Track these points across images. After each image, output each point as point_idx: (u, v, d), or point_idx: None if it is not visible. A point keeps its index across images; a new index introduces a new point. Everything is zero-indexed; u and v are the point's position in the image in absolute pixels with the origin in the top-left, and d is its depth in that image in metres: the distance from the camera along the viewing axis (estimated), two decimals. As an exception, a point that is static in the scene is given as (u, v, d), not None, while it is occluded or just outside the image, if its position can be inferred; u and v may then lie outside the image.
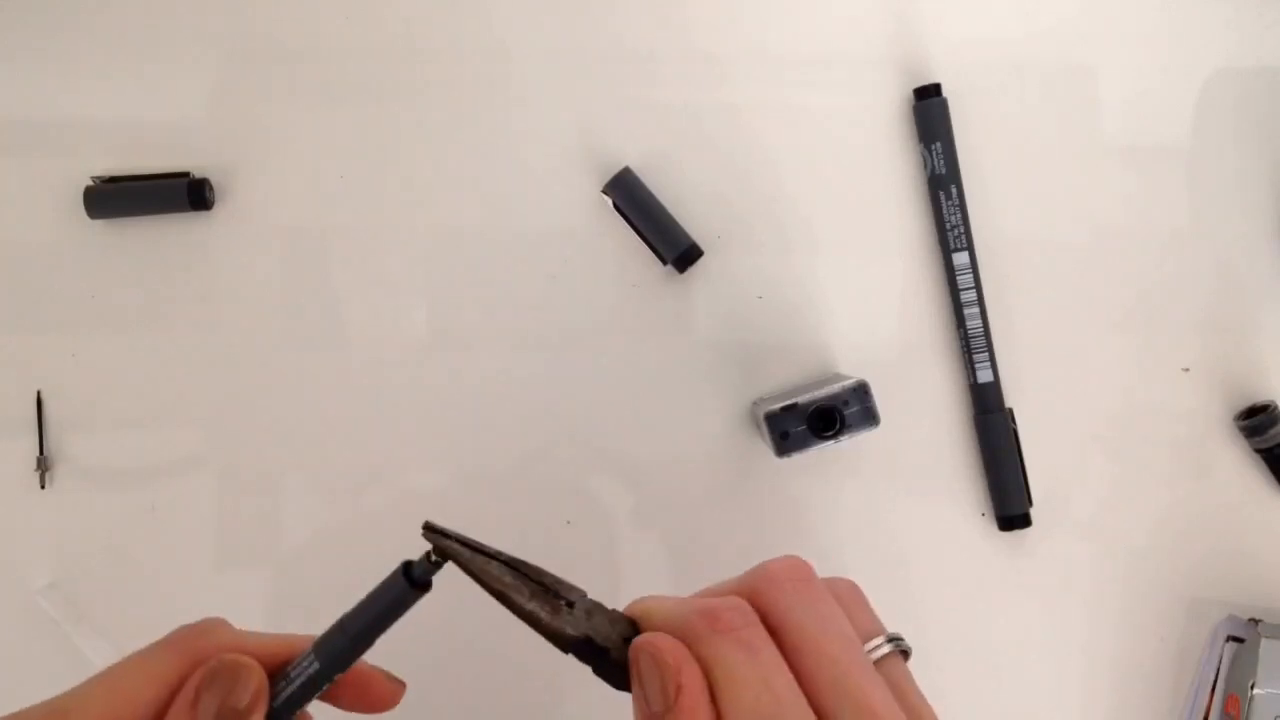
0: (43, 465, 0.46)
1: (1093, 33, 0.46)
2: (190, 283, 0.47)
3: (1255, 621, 0.45)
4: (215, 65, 0.46)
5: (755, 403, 0.46)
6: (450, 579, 0.25)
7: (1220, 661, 0.45)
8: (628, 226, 0.46)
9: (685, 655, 0.23)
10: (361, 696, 0.28)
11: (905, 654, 0.26)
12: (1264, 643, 0.43)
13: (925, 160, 0.46)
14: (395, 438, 0.47)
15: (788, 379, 0.47)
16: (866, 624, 0.26)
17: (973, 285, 0.45)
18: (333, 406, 0.47)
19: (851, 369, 0.47)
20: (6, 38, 0.46)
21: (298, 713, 0.26)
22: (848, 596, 0.27)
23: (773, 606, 0.25)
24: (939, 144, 0.45)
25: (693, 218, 0.46)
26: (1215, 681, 0.45)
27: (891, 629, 0.26)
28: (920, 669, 0.26)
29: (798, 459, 0.42)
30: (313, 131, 0.46)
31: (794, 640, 0.24)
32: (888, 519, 0.47)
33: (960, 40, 0.46)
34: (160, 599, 0.47)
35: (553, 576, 0.26)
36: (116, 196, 0.46)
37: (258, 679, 0.25)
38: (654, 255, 0.46)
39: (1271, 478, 0.46)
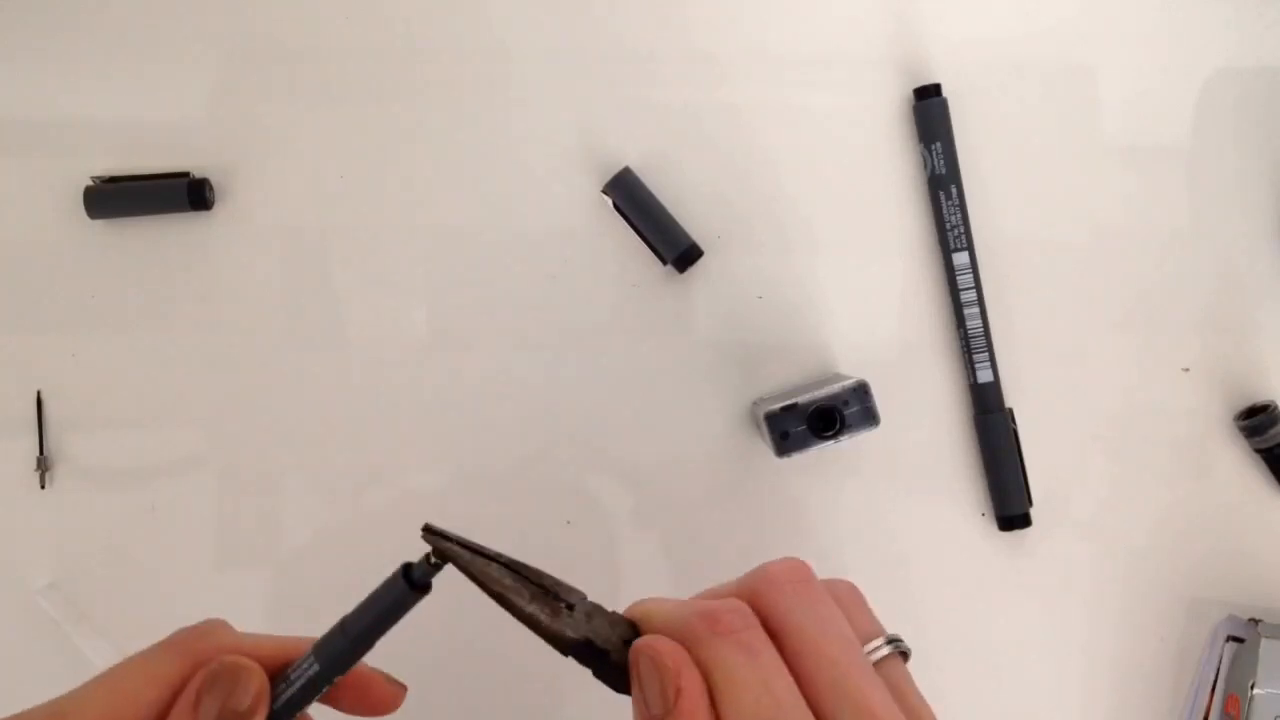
0: (43, 465, 0.46)
1: (1093, 33, 0.46)
2: (190, 283, 0.47)
3: (1255, 621, 0.45)
4: (215, 65, 0.46)
5: (755, 403, 0.46)
6: (450, 581, 0.25)
7: (1220, 661, 0.45)
8: (628, 226, 0.46)
9: (685, 658, 0.23)
10: (362, 699, 0.28)
11: (905, 655, 0.26)
12: (1264, 643, 0.43)
13: (925, 160, 0.46)
14: (395, 438, 0.47)
15: (788, 379, 0.47)
16: (866, 625, 0.26)
17: (973, 285, 0.45)
18: (333, 406, 0.47)
19: (851, 369, 0.47)
20: (6, 38, 0.46)
21: (298, 715, 0.26)
22: (847, 598, 0.27)
23: (772, 609, 0.25)
24: (939, 144, 0.45)
25: (693, 218, 0.46)
26: (1215, 681, 0.45)
27: (891, 629, 0.27)
28: (920, 669, 0.26)
29: (798, 459, 0.42)
30: (313, 131, 0.46)
31: (793, 642, 0.24)
32: (888, 519, 0.47)
33: (960, 40, 0.46)
34: (160, 599, 0.47)
35: (552, 578, 0.26)
36: (116, 196, 0.46)
37: (259, 681, 0.25)
38: (654, 255, 0.46)
39: (1271, 478, 0.46)
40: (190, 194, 0.45)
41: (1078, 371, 0.47)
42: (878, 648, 0.25)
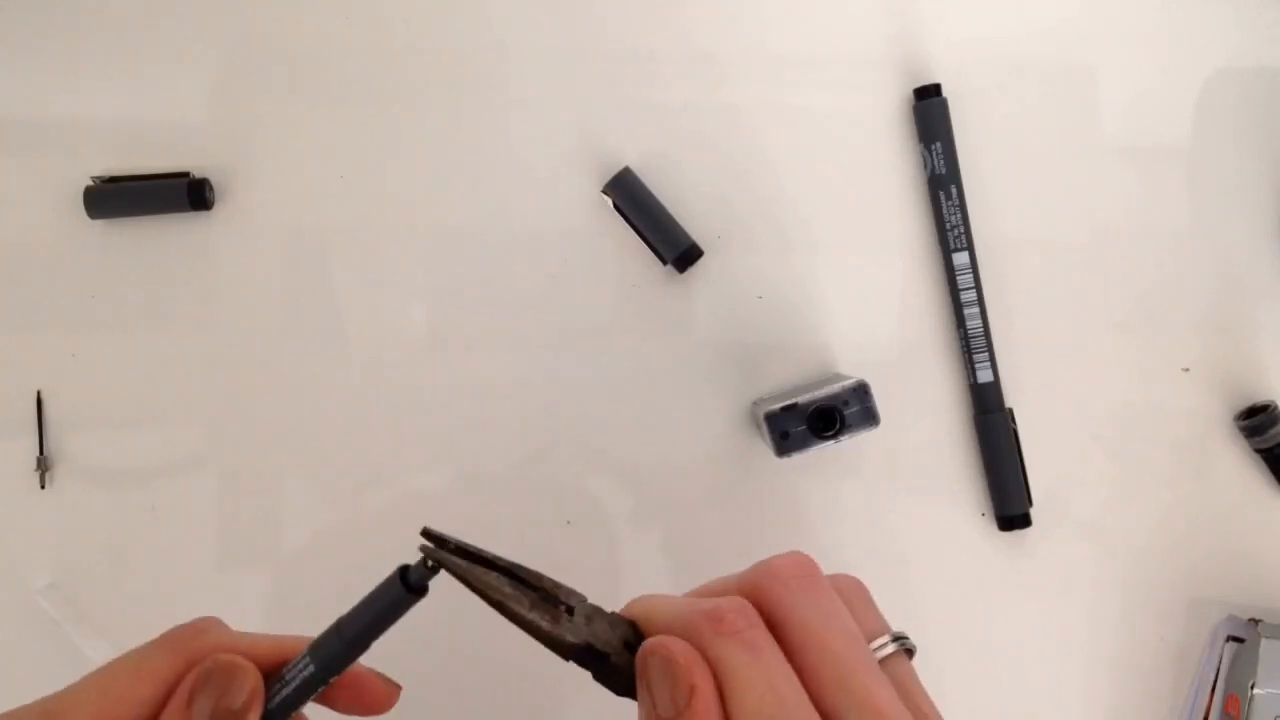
0: (43, 465, 0.46)
1: (1093, 33, 0.46)
2: (190, 283, 0.47)
3: (1255, 621, 0.45)
4: (215, 65, 0.46)
5: (755, 403, 0.46)
6: (448, 581, 0.25)
7: (1220, 661, 0.45)
8: (628, 226, 0.46)
9: (697, 657, 0.23)
10: (357, 699, 0.28)
11: (910, 653, 0.26)
12: (1264, 643, 0.43)
13: (925, 160, 0.46)
14: (395, 438, 0.47)
15: (788, 379, 0.47)
16: (871, 622, 0.26)
17: (973, 285, 0.45)
18: (333, 406, 0.47)
19: (851, 369, 0.46)
20: (6, 38, 0.46)
21: (293, 715, 0.26)
22: (852, 594, 0.27)
23: (777, 603, 0.25)
24: (939, 144, 0.45)
25: (693, 218, 0.46)
26: (1215, 681, 0.45)
27: (892, 628, 0.26)
28: (920, 669, 0.26)
29: (798, 459, 0.42)
30: (313, 131, 0.46)
31: (798, 637, 0.24)
32: (888, 519, 0.47)
33: (960, 40, 0.46)
34: (160, 599, 0.47)
35: (551, 581, 0.26)
36: (116, 196, 0.46)
37: (253, 680, 0.25)
38: (654, 255, 0.46)
39: (1271, 478, 0.46)
40: (190, 194, 0.45)
41: (1078, 371, 0.47)
42: (883, 645, 0.25)
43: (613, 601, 0.27)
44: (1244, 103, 0.46)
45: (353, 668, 0.26)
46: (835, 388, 0.41)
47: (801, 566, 0.26)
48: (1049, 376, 0.47)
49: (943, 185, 0.45)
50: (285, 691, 0.26)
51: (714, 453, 0.47)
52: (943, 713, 0.25)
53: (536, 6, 0.46)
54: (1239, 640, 0.45)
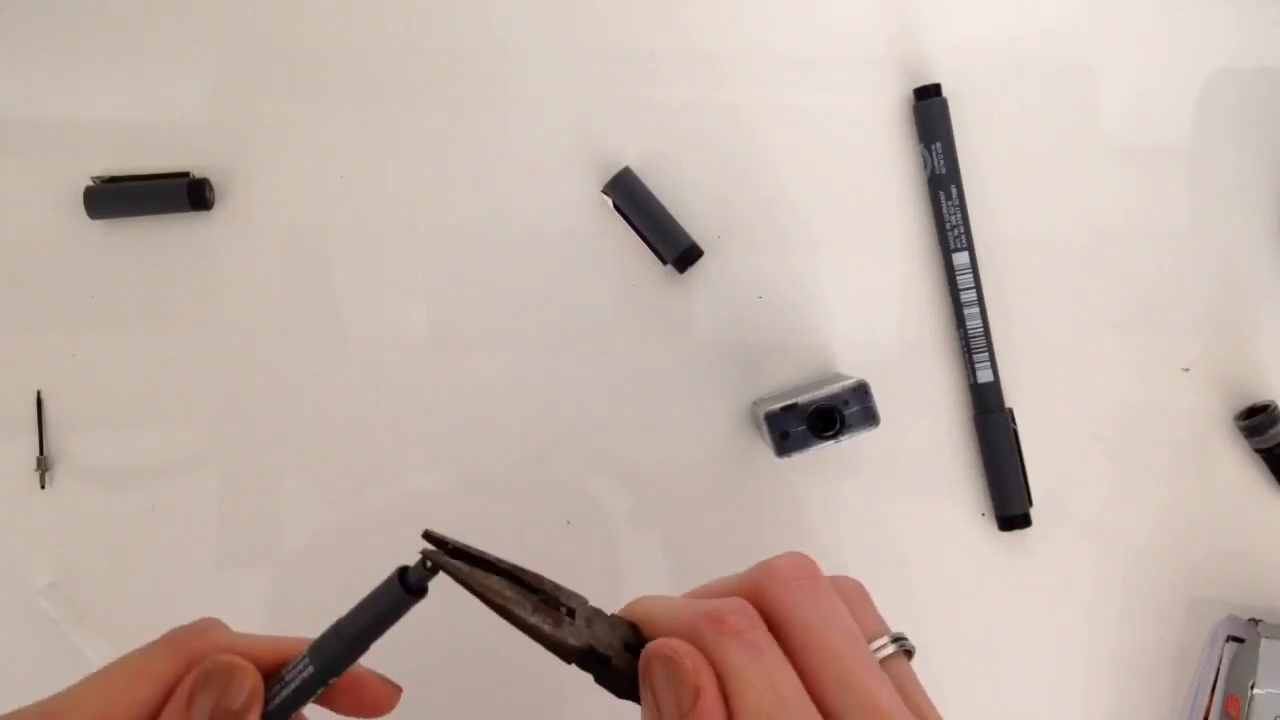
0: (43, 465, 0.46)
1: (1093, 33, 0.46)
2: (190, 283, 0.47)
3: (1255, 621, 0.45)
4: (215, 65, 0.46)
5: (755, 403, 0.46)
6: (448, 582, 0.25)
7: (1220, 661, 0.45)
8: (628, 226, 0.46)
9: (702, 660, 0.23)
10: (357, 700, 0.28)
11: (909, 654, 0.26)
12: (1264, 643, 0.43)
13: (925, 160, 0.46)
14: (395, 438, 0.47)
15: (788, 379, 0.47)
16: (871, 623, 0.26)
17: (973, 285, 0.45)
18: (333, 406, 0.47)
19: (851, 369, 0.46)
20: (6, 38, 0.46)
21: (293, 716, 0.26)
22: (852, 595, 0.27)
23: (778, 604, 0.25)
24: (939, 144, 0.45)
25: (693, 218, 0.46)
26: (1215, 681, 0.45)
27: (892, 628, 0.26)
28: (920, 669, 0.26)
29: (798, 459, 0.42)
30: (313, 131, 0.46)
31: (799, 637, 0.24)
32: (888, 519, 0.47)
33: (960, 40, 0.46)
34: (160, 599, 0.47)
35: (552, 583, 0.26)
36: (116, 196, 0.46)
37: (252, 681, 0.25)
38: (654, 255, 0.46)
39: (1271, 478, 0.46)
40: (190, 194, 0.45)
41: (1078, 371, 0.47)
42: (883, 646, 0.25)
43: (613, 602, 0.27)
44: (1244, 103, 0.46)
45: (353, 669, 0.26)
46: (835, 388, 0.41)
47: (802, 567, 0.26)
48: (1049, 376, 0.47)
49: (943, 185, 0.45)
50: (285, 693, 0.26)
51: (714, 453, 0.47)
52: (943, 713, 0.25)
53: (536, 6, 0.46)
54: (1239, 640, 0.45)
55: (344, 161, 0.46)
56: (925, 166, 0.46)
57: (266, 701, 0.26)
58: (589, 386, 0.47)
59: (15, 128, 0.46)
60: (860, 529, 0.47)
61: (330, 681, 0.26)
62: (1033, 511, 0.46)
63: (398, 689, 0.29)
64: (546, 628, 0.24)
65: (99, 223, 0.46)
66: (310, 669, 0.25)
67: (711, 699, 0.23)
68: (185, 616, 0.27)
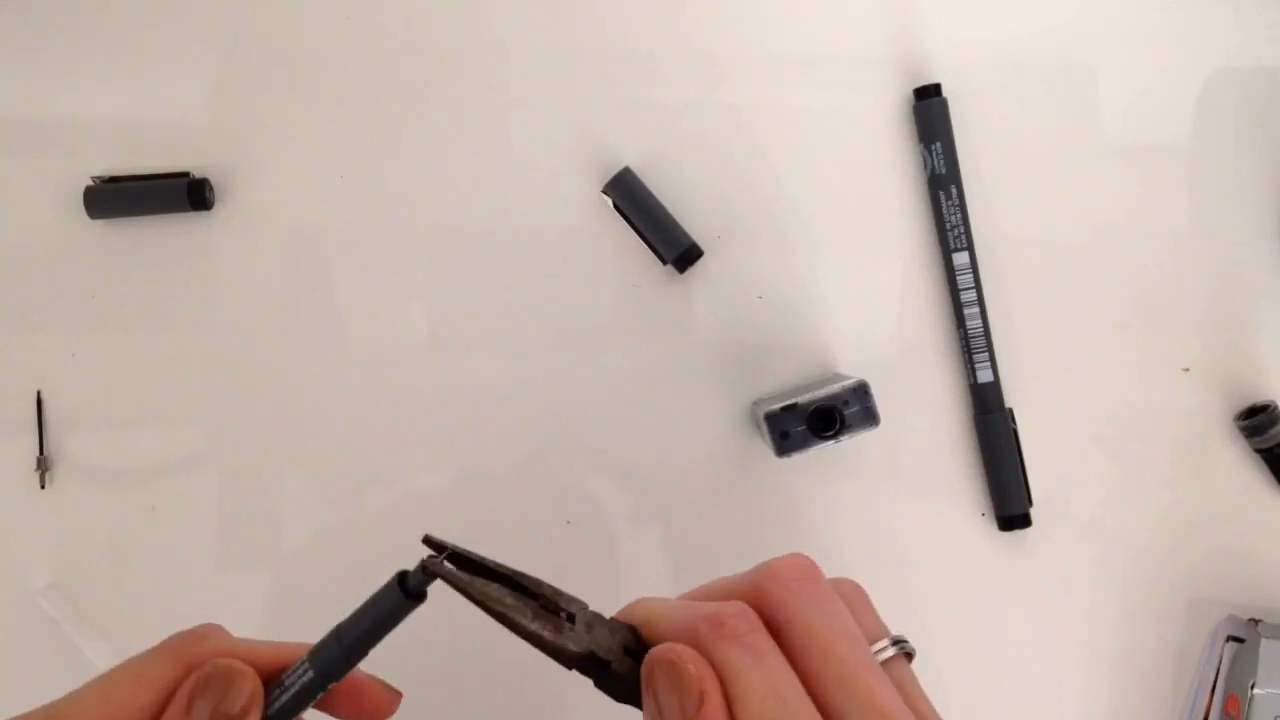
0: (43, 465, 0.46)
1: (1093, 33, 0.46)
2: (190, 283, 0.47)
3: (1255, 621, 0.45)
4: (215, 65, 0.46)
5: (755, 403, 0.46)
6: (448, 586, 0.25)
7: (1220, 661, 0.45)
8: (628, 226, 0.46)
9: (705, 665, 0.23)
10: (357, 705, 0.28)
11: (909, 656, 0.26)
12: (1264, 643, 0.43)
13: (925, 160, 0.46)
14: (395, 438, 0.47)
15: (788, 379, 0.47)
16: (871, 625, 0.26)
17: (973, 285, 0.45)
18: (333, 406, 0.47)
19: (851, 369, 0.46)
20: (6, 38, 0.46)
21: None
22: (852, 596, 0.27)
23: (779, 605, 0.25)
24: (939, 144, 0.45)
25: (693, 218, 0.46)
26: (1215, 681, 0.45)
27: (892, 630, 0.26)
28: (920, 669, 0.26)
29: (798, 459, 0.42)
30: (313, 131, 0.46)
31: (800, 639, 0.24)
32: (888, 519, 0.47)
33: (960, 40, 0.46)
34: (160, 599, 0.47)
35: (552, 588, 0.26)
36: (116, 196, 0.46)
37: (252, 685, 0.25)
38: (654, 255, 0.46)
39: (1271, 478, 0.46)
40: (190, 194, 0.45)
41: (1078, 371, 0.47)
42: (883, 648, 0.25)
43: (613, 603, 0.27)
44: (1244, 103, 0.46)
45: (352, 674, 0.26)
46: (835, 388, 0.41)
47: (803, 568, 0.26)
48: (1049, 376, 0.47)
49: (943, 185, 0.45)
50: (284, 697, 0.26)
51: (714, 453, 0.47)
52: (942, 713, 0.25)
53: (536, 6, 0.46)
54: (1239, 640, 0.45)
55: (344, 161, 0.46)
56: (925, 166, 0.46)
57: (266, 706, 0.26)
58: (589, 386, 0.47)
59: (15, 128, 0.46)
60: (860, 529, 0.47)
61: (330, 686, 0.26)
62: (1033, 511, 0.46)
63: (398, 694, 0.29)
64: (547, 634, 0.24)
65: (99, 223, 0.46)
66: (310, 674, 0.25)
67: (715, 704, 0.22)
68: (185, 617, 0.27)
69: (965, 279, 0.45)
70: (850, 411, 0.41)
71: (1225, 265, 0.46)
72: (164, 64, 0.46)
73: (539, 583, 0.26)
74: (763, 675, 0.23)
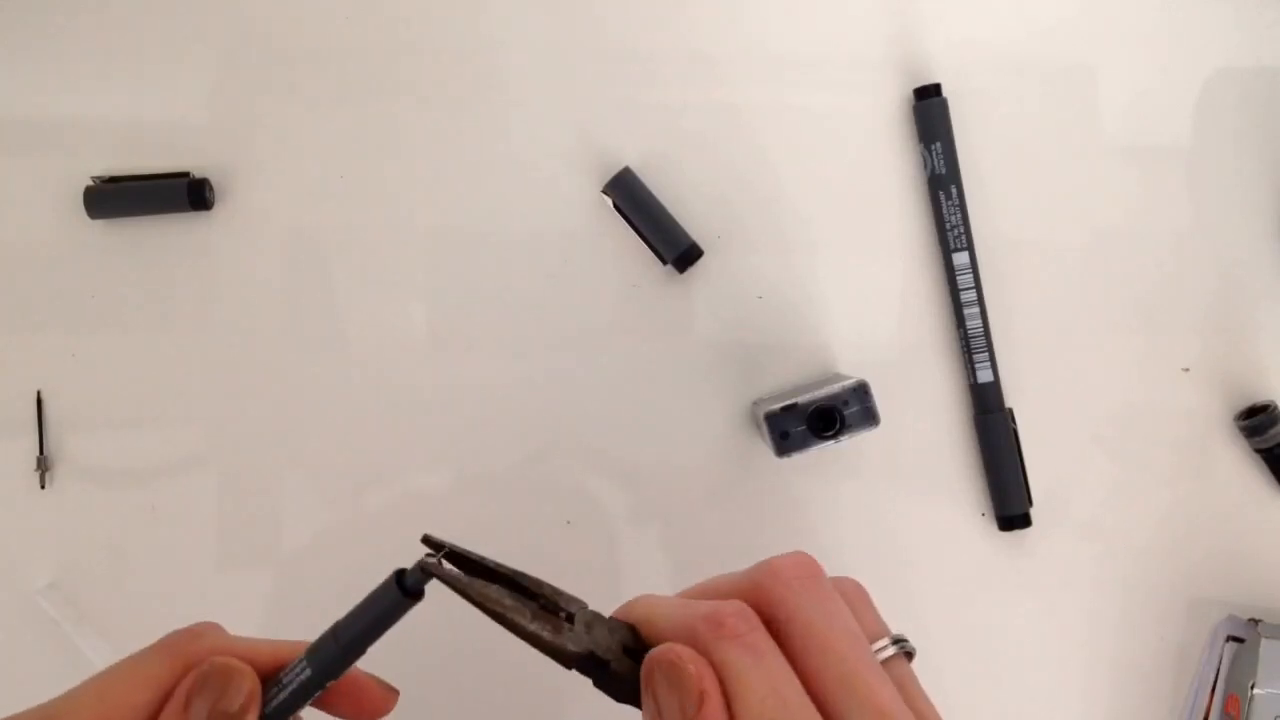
0: (43, 465, 0.46)
1: (1093, 33, 0.46)
2: (190, 283, 0.47)
3: (1255, 621, 0.45)
4: (215, 65, 0.46)
5: (755, 403, 0.46)
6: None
7: (1220, 661, 0.45)
8: (628, 226, 0.46)
9: (705, 665, 0.23)
10: (355, 703, 0.28)
11: (909, 655, 0.26)
12: (1264, 643, 0.43)
13: (925, 160, 0.46)
14: (395, 438, 0.47)
15: (788, 379, 0.47)
16: (871, 625, 0.26)
17: (973, 285, 0.45)
18: (333, 406, 0.47)
19: (851, 369, 0.46)
20: (6, 38, 0.46)
21: (290, 718, 0.26)
22: (853, 596, 0.27)
23: (780, 604, 0.25)
24: (939, 144, 0.45)
25: (693, 218, 0.46)
26: (1215, 681, 0.45)
27: (892, 629, 0.26)
28: (920, 669, 0.26)
29: (798, 459, 0.42)
30: (313, 131, 0.46)
31: (800, 637, 0.24)
32: (888, 519, 0.47)
33: (960, 40, 0.46)
34: (160, 599, 0.47)
35: (551, 588, 0.26)
36: (116, 196, 0.46)
37: (249, 683, 0.25)
38: (654, 255, 0.46)
39: (1271, 478, 0.46)
40: (190, 194, 0.45)
41: (1078, 371, 0.47)
42: (884, 647, 0.25)
43: (613, 602, 0.27)
44: (1244, 103, 0.46)
45: (350, 672, 0.26)
46: (835, 388, 0.41)
47: (804, 567, 0.26)
48: (1049, 376, 0.47)
49: (943, 185, 0.45)
50: (282, 695, 0.26)
51: (714, 453, 0.47)
52: (942, 713, 0.25)
53: (536, 6, 0.46)
54: (1239, 640, 0.45)
55: (344, 161, 0.46)
56: (925, 166, 0.46)
57: (264, 704, 0.26)
58: (589, 386, 0.47)
59: (15, 128, 0.46)
60: (860, 529, 0.47)
61: (327, 684, 0.26)
62: (1033, 511, 0.46)
63: (395, 692, 0.29)
64: (546, 634, 0.24)
65: (99, 223, 0.46)
66: (308, 672, 0.25)
67: (715, 704, 0.22)
68: (185, 617, 0.27)
69: (965, 279, 0.45)
70: (850, 411, 0.41)
71: (1225, 265, 0.46)
72: (164, 64, 0.46)
73: (539, 582, 0.26)
74: (762, 675, 0.23)
